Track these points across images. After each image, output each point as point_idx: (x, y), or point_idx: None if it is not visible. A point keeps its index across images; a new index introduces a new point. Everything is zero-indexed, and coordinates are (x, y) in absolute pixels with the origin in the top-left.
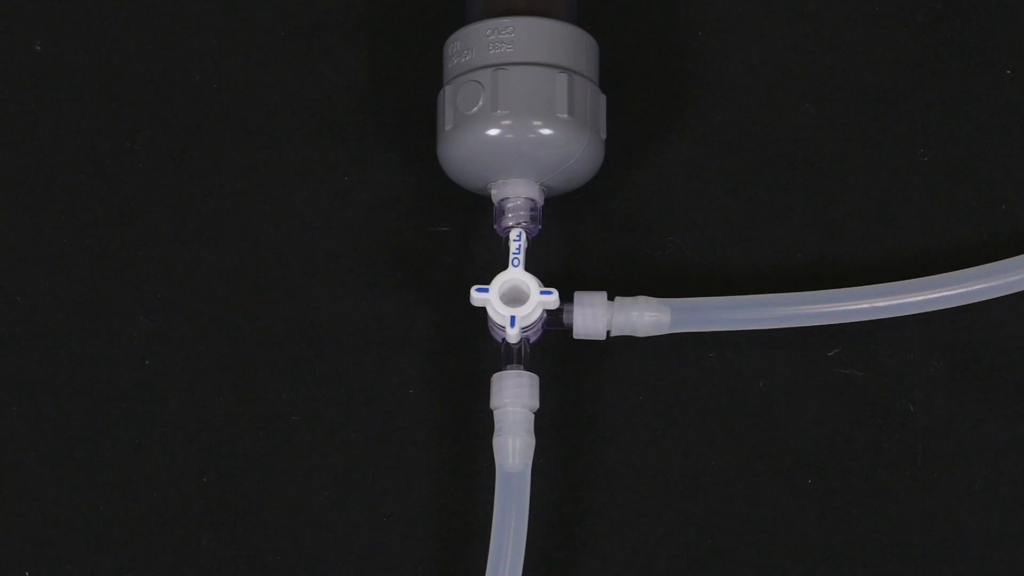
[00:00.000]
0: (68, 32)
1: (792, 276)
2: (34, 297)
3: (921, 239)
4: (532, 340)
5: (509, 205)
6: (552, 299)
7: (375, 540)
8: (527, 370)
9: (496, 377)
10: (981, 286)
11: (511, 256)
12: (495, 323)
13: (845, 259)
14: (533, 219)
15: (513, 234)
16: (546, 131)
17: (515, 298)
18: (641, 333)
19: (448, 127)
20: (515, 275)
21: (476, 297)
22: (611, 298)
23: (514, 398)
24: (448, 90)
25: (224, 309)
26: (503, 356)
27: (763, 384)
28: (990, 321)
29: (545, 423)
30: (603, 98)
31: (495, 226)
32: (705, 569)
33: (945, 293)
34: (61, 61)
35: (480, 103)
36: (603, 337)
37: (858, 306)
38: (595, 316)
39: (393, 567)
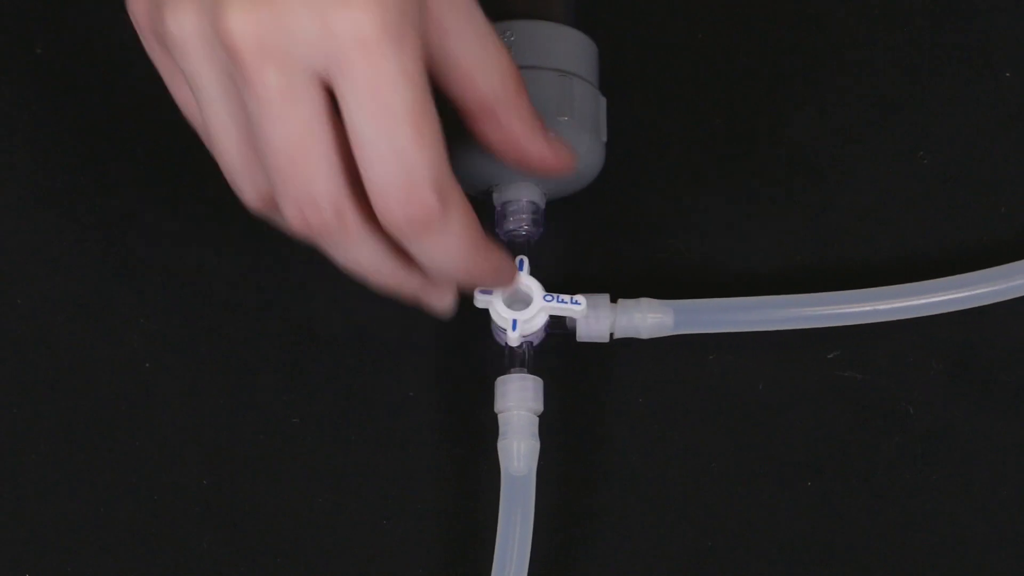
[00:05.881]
0: (68, 35)
1: (793, 278)
2: (34, 298)
3: (921, 242)
4: (535, 343)
5: (511, 208)
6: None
7: (377, 544)
8: (530, 373)
9: (500, 381)
10: (981, 290)
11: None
12: (499, 326)
13: (845, 262)
14: (535, 222)
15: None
16: None
17: (519, 300)
18: (645, 335)
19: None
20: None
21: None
22: (614, 300)
23: (518, 402)
24: None
25: (224, 311)
26: (507, 359)
27: (763, 386)
28: (989, 324)
29: (548, 425)
30: (603, 101)
31: (497, 230)
32: (706, 570)
33: (945, 297)
34: (61, 64)
35: None
36: (606, 339)
37: (858, 309)
38: (598, 319)
39: (395, 571)
